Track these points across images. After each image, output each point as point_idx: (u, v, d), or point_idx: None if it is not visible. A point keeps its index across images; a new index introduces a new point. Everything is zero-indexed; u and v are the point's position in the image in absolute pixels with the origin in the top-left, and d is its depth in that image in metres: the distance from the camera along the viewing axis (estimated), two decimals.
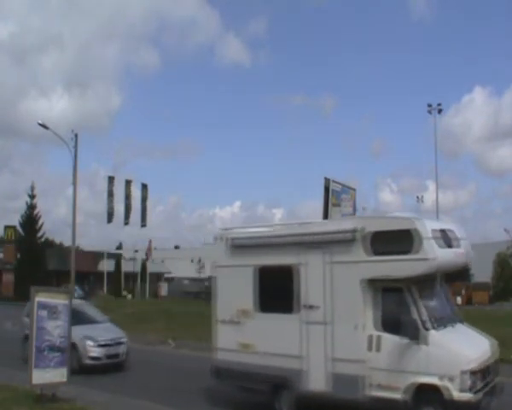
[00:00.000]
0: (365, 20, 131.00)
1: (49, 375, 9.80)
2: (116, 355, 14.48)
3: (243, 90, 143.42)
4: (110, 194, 49.70)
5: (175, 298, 51.69)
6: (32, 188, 56.30)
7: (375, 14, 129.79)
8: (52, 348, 9.85)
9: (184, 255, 73.61)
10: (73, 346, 13.20)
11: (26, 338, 14.15)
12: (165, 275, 68.21)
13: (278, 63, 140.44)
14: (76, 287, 36.48)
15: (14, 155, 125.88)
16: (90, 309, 16.52)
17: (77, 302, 16.39)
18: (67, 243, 52.53)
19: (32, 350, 9.67)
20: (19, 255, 54.64)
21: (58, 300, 10.15)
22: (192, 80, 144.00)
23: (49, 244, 62.74)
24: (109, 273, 52.59)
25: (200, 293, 53.38)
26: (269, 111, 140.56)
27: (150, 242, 58.17)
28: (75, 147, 31.38)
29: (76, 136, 31.62)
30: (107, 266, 51.94)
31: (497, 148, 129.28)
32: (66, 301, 10.31)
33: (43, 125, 30.85)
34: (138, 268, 55.97)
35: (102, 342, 14.23)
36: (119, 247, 65.98)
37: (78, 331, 13.60)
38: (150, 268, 56.96)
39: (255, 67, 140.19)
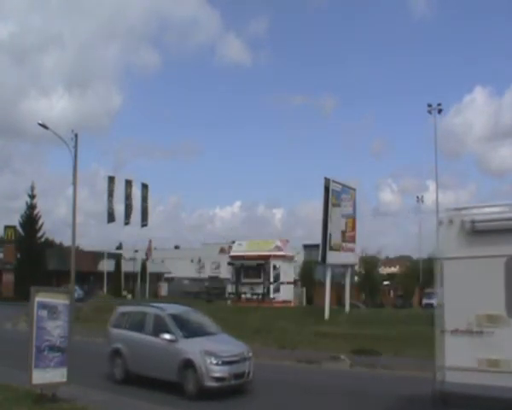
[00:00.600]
0: (365, 20, 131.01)
1: (49, 375, 9.78)
2: (242, 375, 11.57)
3: (243, 90, 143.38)
4: (110, 194, 49.66)
5: (175, 298, 51.67)
6: (32, 188, 56.50)
7: (376, 14, 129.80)
8: (52, 348, 9.83)
9: (184, 255, 73.49)
10: (190, 364, 11.27)
11: (116, 354, 12.81)
12: (165, 275, 68.21)
13: (279, 63, 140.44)
14: (76, 287, 36.48)
15: (14, 155, 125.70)
16: (199, 317, 13.63)
17: (183, 309, 13.96)
18: (67, 243, 52.49)
19: (32, 350, 9.66)
20: (19, 255, 54.73)
21: (58, 300, 10.12)
22: (192, 80, 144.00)
23: (49, 244, 62.72)
24: (109, 273, 52.56)
25: (200, 293, 53.42)
26: (269, 111, 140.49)
27: (150, 242, 58.16)
28: (75, 147, 31.39)
29: (76, 136, 31.65)
30: (107, 266, 51.92)
31: (497, 148, 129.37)
32: (67, 301, 10.28)
33: (43, 126, 30.85)
34: (138, 268, 55.93)
35: (227, 359, 11.35)
36: (119, 247, 66.00)
37: (195, 345, 11.59)
38: (150, 268, 56.92)
39: (255, 67, 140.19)
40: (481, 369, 7.59)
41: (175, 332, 11.85)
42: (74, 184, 31.48)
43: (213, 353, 11.26)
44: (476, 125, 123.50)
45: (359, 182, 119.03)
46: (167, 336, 11.77)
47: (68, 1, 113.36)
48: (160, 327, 12.14)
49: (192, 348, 11.47)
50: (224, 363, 11.24)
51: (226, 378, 11.19)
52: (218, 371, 11.14)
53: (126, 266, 55.49)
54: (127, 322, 13.21)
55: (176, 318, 12.41)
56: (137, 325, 12.85)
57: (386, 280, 63.28)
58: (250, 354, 11.99)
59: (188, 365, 11.27)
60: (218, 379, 11.10)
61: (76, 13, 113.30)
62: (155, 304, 14.35)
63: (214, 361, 11.14)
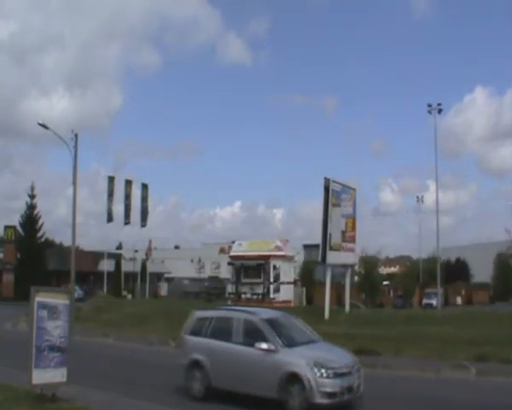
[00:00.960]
0: (366, 21, 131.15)
1: (49, 375, 9.75)
2: (352, 388, 9.87)
3: (244, 90, 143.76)
4: (110, 194, 49.65)
5: (175, 298, 51.70)
6: (32, 188, 56.55)
7: (376, 14, 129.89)
8: (52, 348, 9.81)
9: (184, 255, 73.56)
10: (296, 378, 9.63)
11: (195, 366, 11.08)
12: (165, 275, 68.24)
13: (279, 63, 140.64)
14: (76, 287, 36.44)
15: (14, 155, 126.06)
16: (295, 322, 11.73)
17: (276, 313, 11.99)
18: (67, 243, 52.50)
19: (32, 350, 9.65)
20: (19, 255, 54.72)
21: (58, 300, 10.09)
22: (192, 80, 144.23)
23: (49, 244, 62.74)
24: (109, 273, 52.57)
25: (200, 293, 53.41)
26: (269, 111, 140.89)
27: (150, 242, 58.19)
28: (75, 147, 31.28)
29: (76, 136, 31.51)
30: (107, 266, 51.92)
31: (497, 148, 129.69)
32: (67, 301, 10.27)
33: (43, 126, 30.79)
34: (138, 268, 55.96)
35: (339, 370, 9.74)
36: (119, 247, 65.99)
37: (300, 356, 9.96)
38: (150, 268, 56.94)
39: (256, 66, 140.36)
40: None
41: (273, 341, 10.19)
42: (74, 184, 31.40)
43: (323, 364, 9.65)
44: (476, 125, 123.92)
45: (359, 182, 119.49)
46: (265, 346, 10.13)
47: (68, 1, 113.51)
48: (252, 335, 10.47)
49: (297, 358, 9.88)
50: (336, 375, 9.63)
51: (338, 393, 9.57)
52: (330, 385, 9.51)
53: (126, 266, 55.52)
54: (208, 329, 11.38)
55: (271, 323, 10.74)
56: (223, 332, 11.13)
57: (386, 280, 63.28)
58: (359, 365, 10.40)
59: (293, 379, 9.68)
60: (329, 395, 9.48)
61: (76, 13, 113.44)
62: (243, 308, 12.69)
63: (325, 374, 9.53)
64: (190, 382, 11.12)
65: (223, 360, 10.76)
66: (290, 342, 10.35)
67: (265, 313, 11.76)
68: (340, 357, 10.31)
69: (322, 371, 9.52)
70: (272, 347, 10.10)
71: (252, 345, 10.31)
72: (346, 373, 9.81)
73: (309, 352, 10.14)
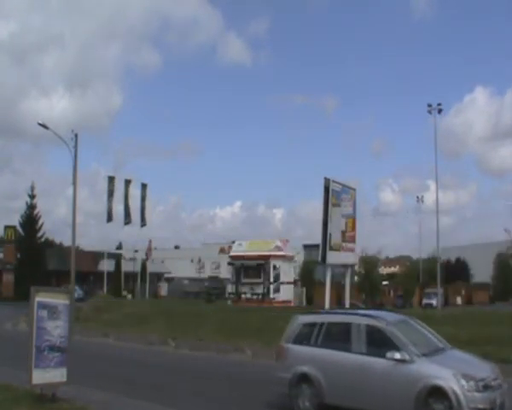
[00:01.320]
0: (366, 21, 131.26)
1: (49, 375, 9.75)
2: (497, 404, 8.48)
3: (244, 90, 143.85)
4: (110, 194, 49.68)
5: (175, 298, 51.75)
6: (32, 188, 56.64)
7: (376, 14, 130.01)
8: (52, 348, 9.81)
9: (184, 255, 73.61)
10: (440, 392, 8.21)
11: (303, 380, 9.59)
12: (165, 275, 68.27)
13: (279, 63, 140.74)
14: (76, 287, 36.44)
15: (14, 155, 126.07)
16: (420, 327, 10.09)
17: (399, 317, 10.26)
18: (67, 243, 52.52)
19: (32, 350, 9.65)
20: (19, 255, 54.76)
21: (58, 300, 10.09)
22: (193, 80, 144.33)
23: (49, 244, 62.80)
24: (109, 273, 52.60)
25: (200, 293, 53.45)
26: (269, 111, 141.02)
27: (150, 242, 58.26)
28: (75, 147, 31.23)
29: (76, 136, 31.45)
30: (107, 266, 51.94)
31: (497, 148, 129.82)
32: (67, 301, 10.26)
33: (43, 125, 30.76)
34: (138, 268, 55.99)
35: (488, 382, 8.41)
36: (119, 247, 65.99)
37: (442, 366, 8.57)
38: (150, 268, 56.98)
39: (256, 66, 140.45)
40: None
41: (407, 349, 8.74)
42: (74, 184, 31.37)
43: (471, 375, 8.29)
44: (476, 125, 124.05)
45: (359, 182, 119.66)
46: (398, 356, 8.68)
47: (68, 1, 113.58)
48: (379, 343, 9.06)
49: (439, 369, 8.48)
50: (486, 388, 8.29)
51: None
52: (481, 399, 8.12)
53: (126, 266, 55.54)
54: (318, 336, 9.89)
55: (400, 329, 9.27)
56: (338, 340, 9.72)
57: (386, 280, 63.31)
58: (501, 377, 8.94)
59: (436, 393, 8.26)
60: None
61: (76, 13, 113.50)
62: (361, 311, 11.20)
63: (474, 387, 8.14)
64: (296, 399, 9.62)
65: (340, 372, 9.32)
66: (424, 351, 8.93)
67: (389, 316, 10.12)
68: (481, 367, 8.97)
69: (471, 383, 8.16)
70: (407, 356, 8.67)
71: (378, 355, 8.91)
72: (493, 387, 8.49)
73: (449, 361, 8.84)
